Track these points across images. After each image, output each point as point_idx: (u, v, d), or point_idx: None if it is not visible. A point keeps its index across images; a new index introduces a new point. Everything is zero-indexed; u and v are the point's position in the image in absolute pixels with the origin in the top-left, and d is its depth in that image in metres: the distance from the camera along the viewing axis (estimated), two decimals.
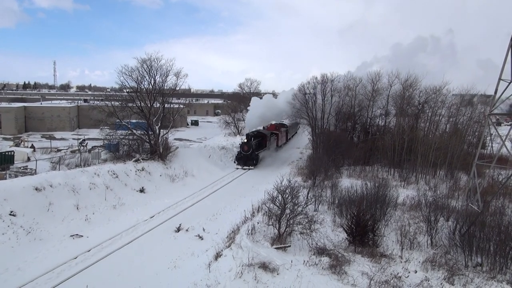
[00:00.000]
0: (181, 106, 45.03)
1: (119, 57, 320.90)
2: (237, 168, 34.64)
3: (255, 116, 39.48)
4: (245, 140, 35.53)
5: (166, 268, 14.04)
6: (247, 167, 34.87)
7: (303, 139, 49.92)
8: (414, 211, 19.74)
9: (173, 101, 37.62)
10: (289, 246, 14.84)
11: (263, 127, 47.14)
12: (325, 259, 13.48)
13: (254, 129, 41.22)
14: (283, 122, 53.72)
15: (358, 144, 35.54)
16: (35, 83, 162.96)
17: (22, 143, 42.08)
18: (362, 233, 15.40)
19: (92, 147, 39.41)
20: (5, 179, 22.02)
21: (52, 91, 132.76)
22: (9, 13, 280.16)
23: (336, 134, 34.40)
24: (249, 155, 35.17)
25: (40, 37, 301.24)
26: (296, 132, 65.25)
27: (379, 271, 12.89)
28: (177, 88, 34.21)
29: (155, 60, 31.51)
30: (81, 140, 44.19)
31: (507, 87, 20.01)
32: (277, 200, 16.14)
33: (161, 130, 31.50)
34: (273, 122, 49.75)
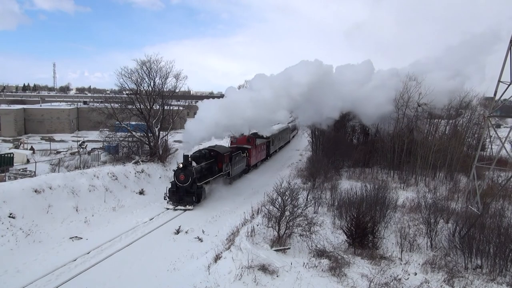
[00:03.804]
0: (181, 108, 45.02)
1: (119, 59, 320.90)
2: (167, 209, 21.77)
3: (206, 126, 23.13)
4: (181, 165, 22.47)
5: (165, 270, 14.03)
6: (182, 207, 21.93)
7: (302, 141, 49.74)
8: (414, 213, 19.74)
9: (172, 103, 37.63)
10: (289, 248, 14.83)
11: (231, 140, 34.87)
12: (325, 261, 13.47)
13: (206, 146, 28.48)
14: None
15: (358, 146, 35.53)
16: (34, 85, 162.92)
17: (22, 145, 42.13)
18: (362, 235, 15.39)
19: (91, 149, 39.39)
20: (5, 181, 22.01)
21: (52, 93, 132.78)
22: (10, 15, 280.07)
23: (335, 136, 34.33)
24: (188, 188, 22.27)
25: (41, 39, 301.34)
26: (289, 142, 53.66)
27: (379, 273, 12.89)
28: (177, 90, 34.27)
29: (155, 62, 31.61)
30: (80, 142, 44.21)
31: (506, 89, 20.06)
32: (276, 202, 16.15)
33: (161, 132, 31.52)
34: (246, 133, 33.29)
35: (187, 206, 22.11)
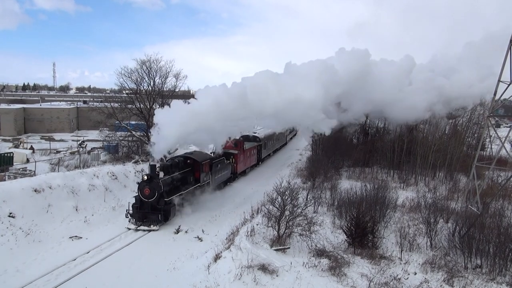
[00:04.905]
0: None
1: (119, 59, 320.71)
2: (129, 229, 18.29)
3: (177, 132, 18.97)
4: (146, 177, 19.09)
5: (165, 270, 14.03)
6: (146, 228, 18.38)
7: (302, 141, 49.60)
8: (414, 213, 19.74)
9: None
10: (289, 247, 14.83)
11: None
12: (325, 261, 13.46)
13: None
14: (255, 134, 35.84)
15: (358, 146, 35.52)
16: (34, 84, 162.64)
17: (21, 144, 42.11)
18: (362, 234, 15.40)
19: (91, 148, 39.41)
20: (4, 180, 22.01)
21: (52, 93, 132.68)
22: (10, 14, 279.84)
23: (335, 136, 34.26)
24: (155, 204, 19.00)
25: (41, 38, 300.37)
26: (286, 144, 50.46)
27: (379, 273, 12.88)
28: (177, 90, 34.38)
29: (155, 61, 31.74)
30: (80, 141, 44.23)
31: (506, 89, 20.06)
32: (276, 202, 16.13)
33: None
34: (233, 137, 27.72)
35: (152, 226, 18.53)
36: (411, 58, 28.43)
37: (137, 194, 19.43)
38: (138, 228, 18.40)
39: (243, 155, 31.13)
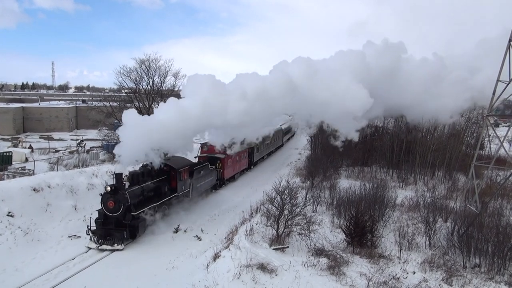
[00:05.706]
0: None
1: (118, 58, 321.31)
2: (90, 249, 15.63)
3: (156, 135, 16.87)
4: (108, 188, 16.54)
5: (164, 269, 14.03)
6: (109, 247, 15.67)
7: (301, 140, 49.62)
8: (413, 212, 19.76)
9: None
10: (288, 247, 14.83)
11: (202, 148, 28.79)
12: (324, 260, 13.47)
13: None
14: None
15: (357, 145, 35.50)
16: (33, 83, 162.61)
17: (20, 143, 42.08)
18: (361, 234, 15.41)
19: (90, 147, 39.39)
20: (3, 179, 21.99)
21: (51, 92, 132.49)
22: (9, 13, 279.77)
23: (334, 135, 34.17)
24: (121, 219, 16.50)
25: (40, 37, 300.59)
26: (282, 145, 47.39)
27: (378, 272, 12.90)
28: (176, 89, 34.34)
29: (154, 60, 31.79)
30: (79, 140, 44.20)
31: (505, 88, 20.07)
32: (275, 201, 16.13)
33: None
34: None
35: (116, 245, 15.79)
36: (441, 57, 26.13)
37: (99, 209, 16.90)
38: (100, 247, 15.71)
39: (231, 159, 28.50)
